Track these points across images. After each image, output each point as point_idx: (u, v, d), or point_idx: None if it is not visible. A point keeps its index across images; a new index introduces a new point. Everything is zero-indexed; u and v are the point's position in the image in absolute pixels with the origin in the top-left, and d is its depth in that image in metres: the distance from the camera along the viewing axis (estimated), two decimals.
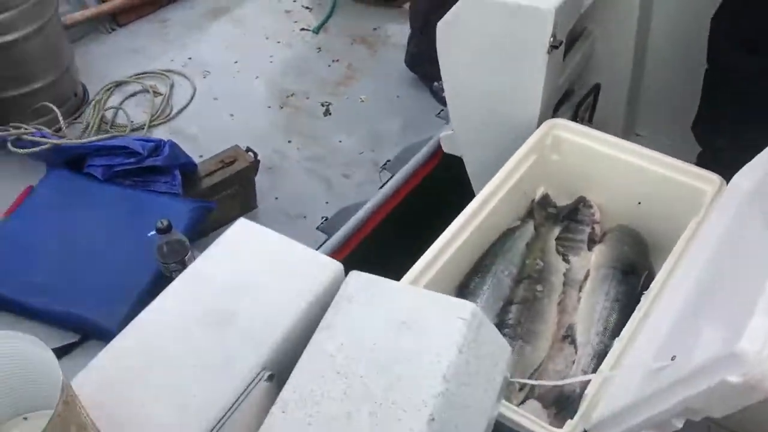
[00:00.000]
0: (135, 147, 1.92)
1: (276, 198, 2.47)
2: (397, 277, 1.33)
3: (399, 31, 3.13)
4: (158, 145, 1.97)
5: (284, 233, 1.17)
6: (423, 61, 2.84)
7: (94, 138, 2.01)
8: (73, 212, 1.87)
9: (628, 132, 2.26)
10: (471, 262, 1.62)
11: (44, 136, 2.00)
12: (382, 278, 1.11)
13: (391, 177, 2.49)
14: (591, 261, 1.67)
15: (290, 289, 1.08)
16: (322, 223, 2.37)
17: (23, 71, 2.43)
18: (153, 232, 1.79)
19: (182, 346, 1.01)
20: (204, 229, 2.07)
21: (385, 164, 2.57)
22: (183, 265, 1.66)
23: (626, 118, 2.22)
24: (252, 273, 1.11)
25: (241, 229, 1.20)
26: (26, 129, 2.08)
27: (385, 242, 2.30)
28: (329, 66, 3.01)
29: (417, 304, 1.06)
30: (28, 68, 2.43)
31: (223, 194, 2.24)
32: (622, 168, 1.66)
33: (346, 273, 1.10)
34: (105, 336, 1.59)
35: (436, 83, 2.85)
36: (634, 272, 1.61)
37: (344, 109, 2.82)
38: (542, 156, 1.70)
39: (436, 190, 2.43)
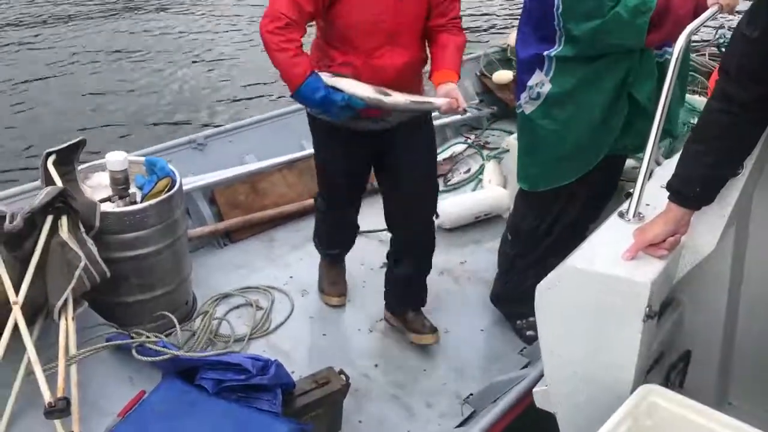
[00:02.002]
0: (246, 365, 2.10)
1: (360, 421, 2.56)
2: None
3: (484, 267, 3.34)
4: (266, 365, 2.14)
5: None
6: (508, 300, 3.01)
7: (210, 353, 2.20)
8: (182, 423, 2.01)
9: (721, 400, 2.24)
10: None
11: (165, 346, 2.20)
12: None
13: (474, 412, 2.57)
14: None
15: None
16: None
17: (150, 280, 2.71)
18: None
19: None
20: None
21: (467, 398, 2.66)
22: None
23: (718, 386, 2.22)
24: None
25: None
26: (148, 337, 2.30)
27: None
28: None
29: None
30: (155, 278, 2.72)
31: (312, 414, 2.35)
32: None
33: None
34: None
35: (519, 321, 3.00)
36: None
37: None
38: (637, 421, 1.70)
39: None
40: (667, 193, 1.77)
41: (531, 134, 2.64)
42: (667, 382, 2.06)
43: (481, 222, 3.74)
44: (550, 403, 1.97)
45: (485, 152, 4.21)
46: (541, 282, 1.80)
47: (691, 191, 1.73)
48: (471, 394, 2.66)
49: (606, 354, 1.77)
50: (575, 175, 2.64)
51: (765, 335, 2.16)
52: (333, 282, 3.15)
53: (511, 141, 3.58)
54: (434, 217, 2.83)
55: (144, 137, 5.65)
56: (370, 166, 2.78)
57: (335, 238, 3.09)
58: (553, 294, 1.79)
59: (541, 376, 2.13)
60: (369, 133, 2.57)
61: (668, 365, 2.11)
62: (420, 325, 2.87)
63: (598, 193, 2.80)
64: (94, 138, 5.32)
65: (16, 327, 2.11)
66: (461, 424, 2.57)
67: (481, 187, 3.97)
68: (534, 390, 2.06)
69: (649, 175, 1.89)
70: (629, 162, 2.99)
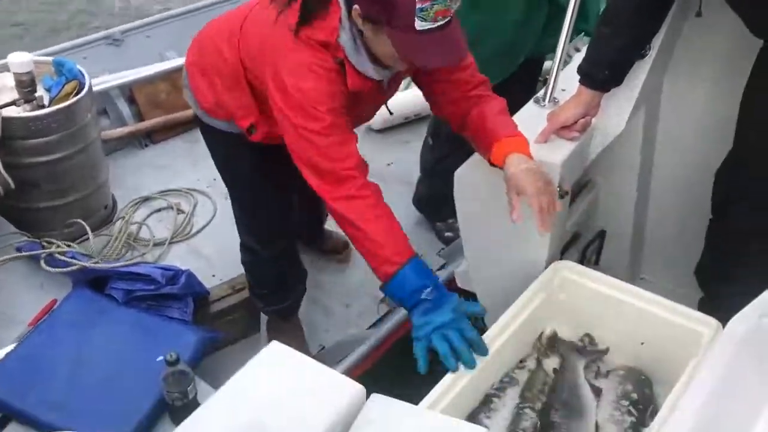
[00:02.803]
0: (155, 275, 2.12)
1: None
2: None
3: (411, 170, 3.35)
4: (176, 275, 2.16)
5: None
6: (429, 203, 3.06)
7: (118, 264, 2.20)
8: (91, 331, 2.03)
9: (634, 275, 2.36)
10: (482, 393, 1.68)
11: (74, 257, 2.19)
12: (402, 402, 1.24)
13: (389, 311, 2.66)
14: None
15: (316, 408, 1.21)
16: (319, 351, 2.53)
17: (62, 186, 2.66)
18: (162, 358, 1.95)
19: None
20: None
21: (383, 298, 2.74)
22: (185, 395, 1.80)
23: (631, 262, 2.33)
24: (282, 392, 1.25)
25: (273, 350, 1.34)
26: (59, 245, 2.28)
27: (398, 367, 2.40)
28: None
29: (435, 429, 1.19)
30: (68, 183, 2.67)
31: (228, 318, 2.41)
32: (625, 309, 1.74)
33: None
34: None
35: (438, 223, 3.06)
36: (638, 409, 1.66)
37: None
38: (550, 295, 1.79)
39: None
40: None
41: None
42: (583, 260, 2.15)
43: (411, 122, 3.72)
44: (471, 283, 2.05)
45: None
46: (459, 168, 1.83)
47: (600, 73, 1.78)
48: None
49: (521, 233, 1.79)
50: (497, 79, 2.59)
51: (675, 214, 2.27)
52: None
53: None
54: None
55: (55, 38, 5.33)
56: None
57: (284, 280, 2.38)
58: (469, 178, 1.82)
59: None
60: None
61: (584, 244, 2.19)
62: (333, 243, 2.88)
63: (516, 97, 2.80)
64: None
65: None
66: (377, 322, 2.68)
67: (412, 86, 3.91)
68: (455, 271, 2.14)
69: (566, 60, 1.90)
70: (547, 64, 2.98)
